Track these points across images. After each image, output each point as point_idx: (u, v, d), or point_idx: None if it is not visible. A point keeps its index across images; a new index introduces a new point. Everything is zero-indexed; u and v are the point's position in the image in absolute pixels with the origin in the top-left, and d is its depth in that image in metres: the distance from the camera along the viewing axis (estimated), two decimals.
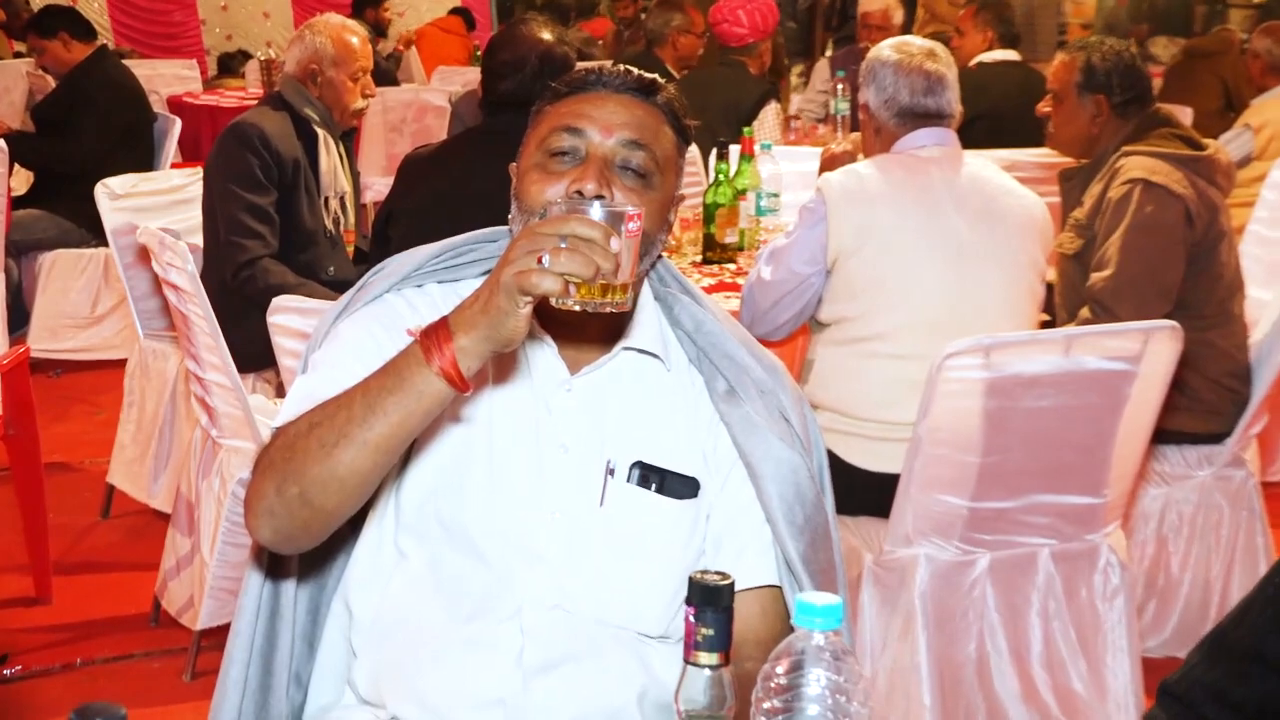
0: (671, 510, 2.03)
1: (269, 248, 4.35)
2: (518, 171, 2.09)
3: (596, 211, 1.72)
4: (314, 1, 13.16)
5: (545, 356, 2.05)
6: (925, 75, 3.56)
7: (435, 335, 1.75)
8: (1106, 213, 3.74)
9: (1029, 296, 3.55)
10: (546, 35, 4.19)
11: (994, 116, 6.26)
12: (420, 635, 2.03)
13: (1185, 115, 5.82)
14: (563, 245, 1.65)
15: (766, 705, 1.31)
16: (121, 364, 5.15)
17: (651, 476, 2.03)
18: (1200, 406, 3.73)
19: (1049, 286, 4.07)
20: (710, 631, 1.41)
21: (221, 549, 3.66)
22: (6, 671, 3.99)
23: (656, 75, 2.18)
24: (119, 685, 3.88)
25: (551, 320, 2.01)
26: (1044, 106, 4.19)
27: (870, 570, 3.38)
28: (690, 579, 1.43)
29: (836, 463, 3.31)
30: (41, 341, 6.48)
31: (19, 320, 6.55)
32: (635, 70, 2.16)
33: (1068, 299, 3.89)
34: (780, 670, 1.31)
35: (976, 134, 5.67)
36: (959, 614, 3.34)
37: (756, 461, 2.05)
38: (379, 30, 11.34)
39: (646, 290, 2.14)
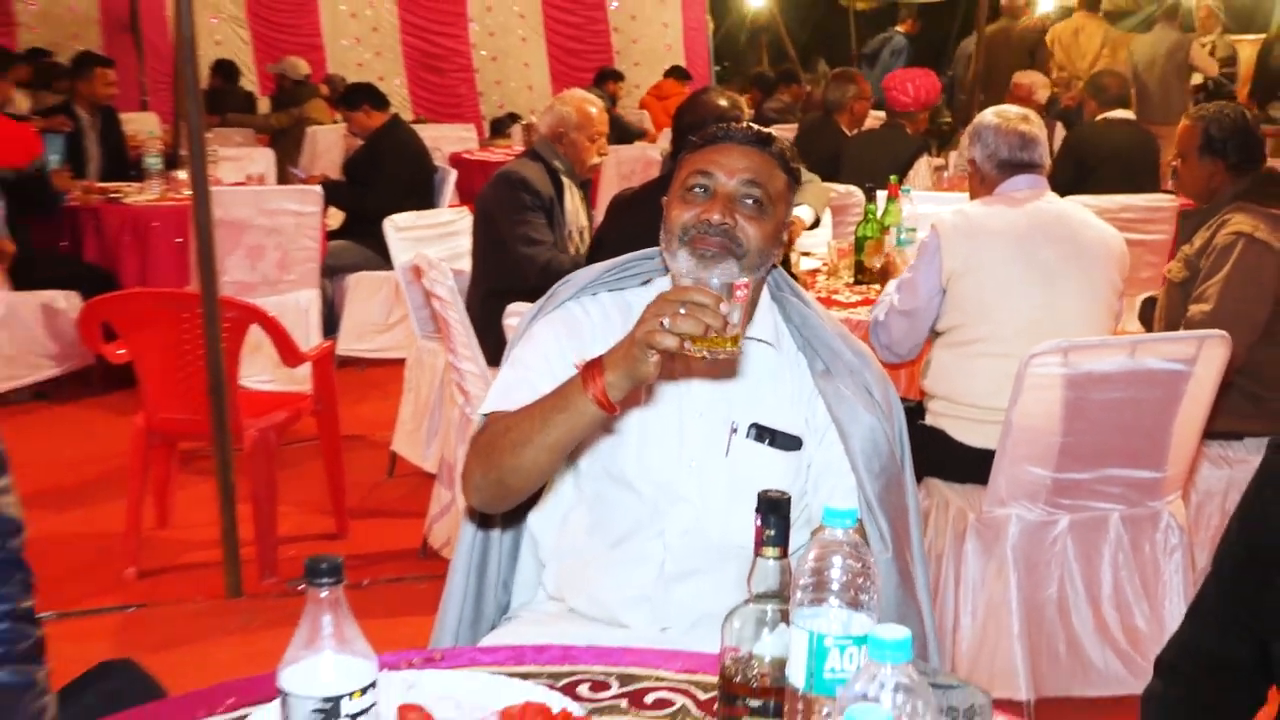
0: (780, 459, 2.18)
1: (557, 248, 4.58)
2: (666, 204, 2.22)
3: (715, 282, 1.82)
4: (567, 78, 13.43)
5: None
6: (1020, 135, 3.67)
7: (591, 371, 1.90)
8: (1212, 255, 3.74)
9: (1105, 309, 3.58)
10: (722, 102, 4.33)
11: (1110, 162, 6.28)
12: (590, 551, 2.23)
13: None
14: (681, 311, 1.77)
15: (804, 580, 1.38)
16: (404, 361, 5.42)
17: (765, 434, 2.18)
18: (1268, 411, 3.74)
19: (1150, 300, 4.21)
20: (773, 532, 1.51)
21: None
22: (365, 581, 4.39)
23: (772, 130, 2.31)
24: (395, 600, 4.23)
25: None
26: (1173, 161, 4.20)
27: (972, 526, 3.44)
28: (759, 494, 1.52)
29: (947, 440, 3.64)
30: (349, 343, 6.86)
31: (331, 327, 6.90)
32: (755, 126, 2.28)
33: (1168, 316, 3.90)
34: (812, 555, 1.38)
35: (1097, 180, 5.88)
36: (1043, 563, 3.41)
37: (845, 424, 2.20)
38: (614, 100, 11.57)
39: (765, 293, 2.28)
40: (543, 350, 2.22)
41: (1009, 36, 11.82)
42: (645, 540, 2.19)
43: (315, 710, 1.27)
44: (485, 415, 2.20)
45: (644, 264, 2.37)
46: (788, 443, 2.20)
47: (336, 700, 1.28)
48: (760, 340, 2.24)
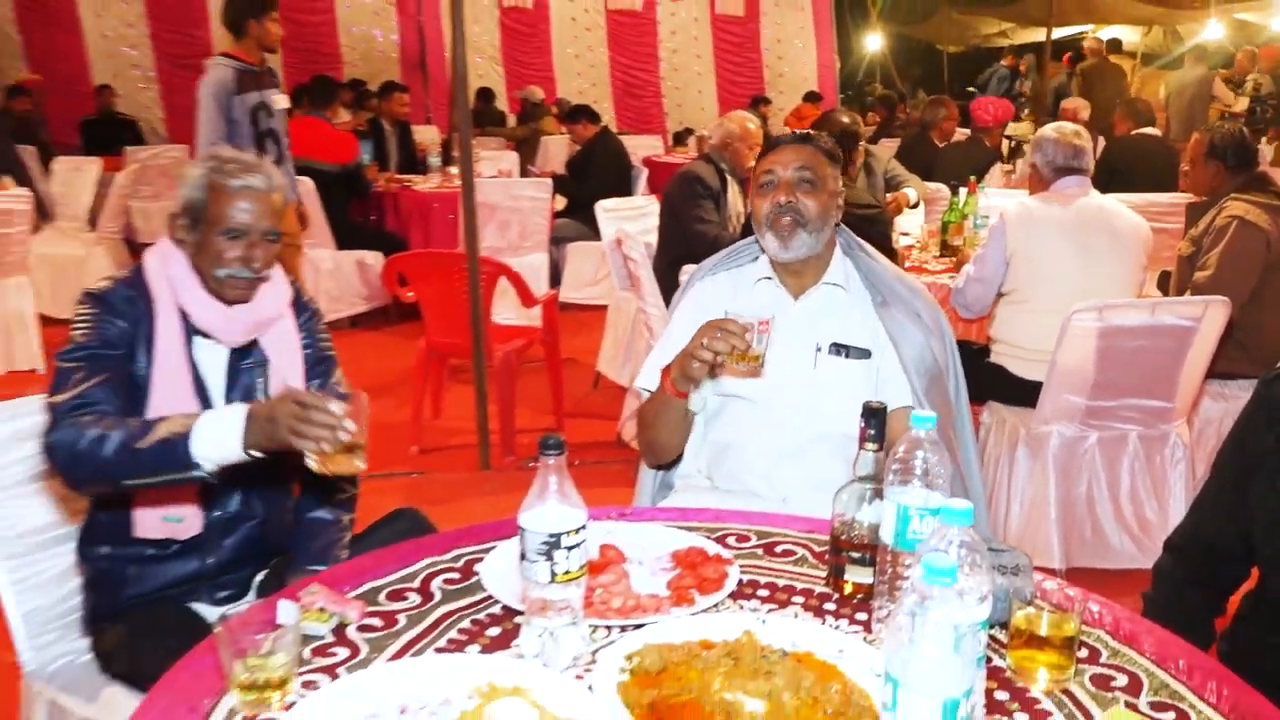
0: (856, 367, 2.19)
1: (721, 227, 4.52)
2: (750, 199, 2.28)
3: (749, 317, 1.88)
4: (730, 101, 13.37)
5: (782, 294, 2.24)
6: (1072, 146, 3.63)
7: (665, 372, 2.07)
8: (1212, 234, 3.68)
9: (1132, 279, 3.53)
10: (845, 119, 4.35)
11: (1138, 168, 6.11)
12: (726, 443, 2.24)
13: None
14: (718, 335, 1.86)
15: (894, 466, 1.41)
16: (606, 306, 5.56)
17: (841, 349, 2.19)
18: (1255, 358, 3.63)
19: (1166, 273, 4.09)
20: (873, 431, 1.57)
21: None
22: (576, 461, 4.28)
23: (811, 131, 2.34)
24: (596, 476, 4.23)
25: (788, 272, 2.24)
26: (1185, 166, 4.06)
27: (1023, 439, 3.46)
28: (864, 404, 1.58)
29: (1006, 374, 3.60)
30: (567, 292, 6.83)
31: (555, 280, 6.91)
32: (800, 131, 2.32)
33: (1179, 283, 3.83)
34: (901, 448, 1.41)
35: (1124, 183, 5.65)
36: (1075, 468, 3.42)
37: (898, 339, 2.20)
38: (765, 119, 11.44)
39: (838, 249, 2.28)
40: (677, 337, 2.21)
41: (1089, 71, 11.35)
42: (762, 434, 2.19)
43: (543, 542, 1.32)
44: (641, 389, 2.31)
45: (751, 247, 2.37)
46: (859, 354, 2.19)
47: (558, 536, 1.32)
48: (834, 284, 2.24)
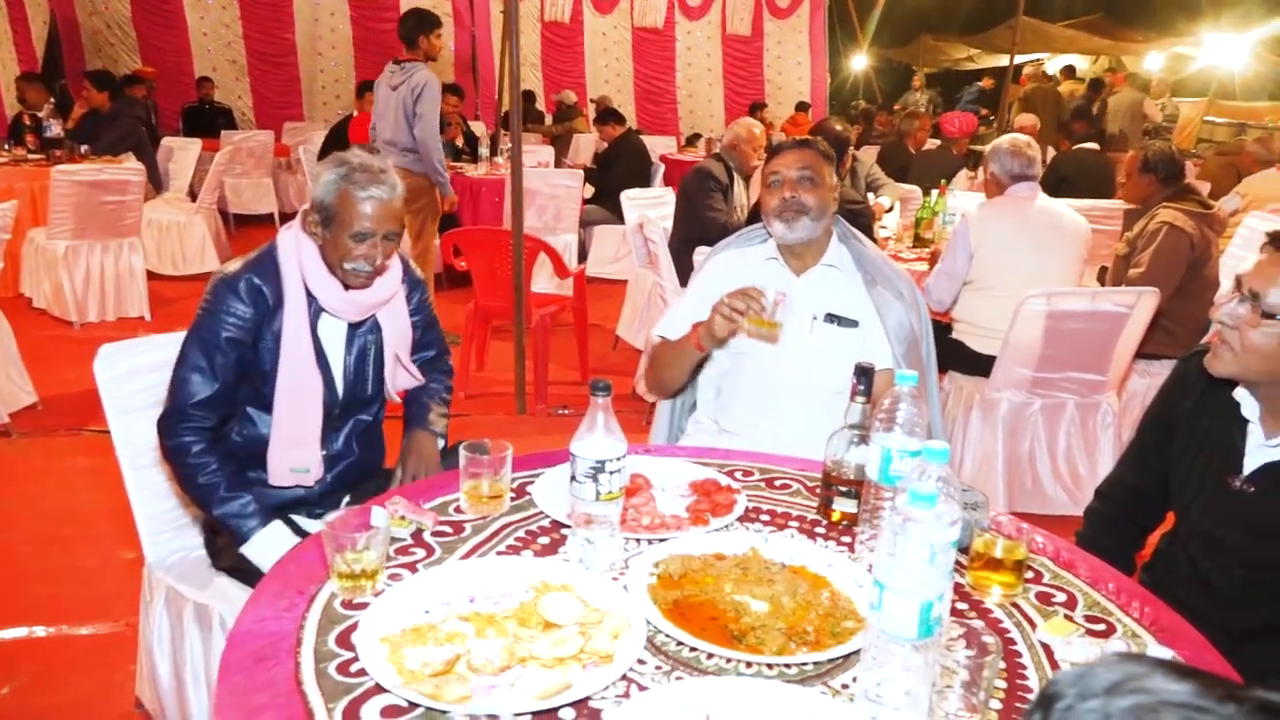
0: (846, 334, 2.19)
1: (729, 215, 4.47)
2: (760, 195, 2.26)
3: (769, 288, 1.89)
4: (734, 108, 13.30)
5: (786, 273, 2.24)
6: (1024, 155, 3.59)
7: (694, 329, 2.06)
8: (1145, 236, 3.66)
9: (1073, 271, 3.51)
10: (838, 127, 4.31)
11: (1080, 177, 6.05)
12: (734, 391, 2.26)
13: (1204, 187, 5.48)
14: (741, 297, 1.89)
15: (881, 415, 1.43)
16: (626, 281, 5.53)
17: (833, 319, 2.19)
18: (1178, 342, 3.64)
19: (1104, 269, 4.05)
20: (863, 387, 1.60)
21: None
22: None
23: (809, 136, 2.30)
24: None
25: (791, 254, 2.24)
26: (1122, 178, 4.05)
27: (977, 404, 3.46)
28: (856, 364, 1.61)
29: (965, 348, 3.56)
30: (594, 268, 6.79)
31: (584, 257, 6.89)
32: (800, 137, 2.28)
33: (1115, 277, 3.81)
34: (887, 402, 1.43)
35: (1069, 189, 5.58)
36: (1021, 429, 3.43)
37: (882, 312, 2.21)
38: (764, 123, 11.46)
39: (835, 235, 2.26)
40: (694, 301, 2.23)
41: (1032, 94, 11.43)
42: (766, 387, 2.21)
43: (591, 467, 1.35)
44: (658, 335, 2.28)
45: (759, 231, 2.37)
46: (849, 324, 2.20)
47: (603, 462, 1.35)
48: (830, 265, 2.25)
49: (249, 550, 1.86)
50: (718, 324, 1.95)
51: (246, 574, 1.90)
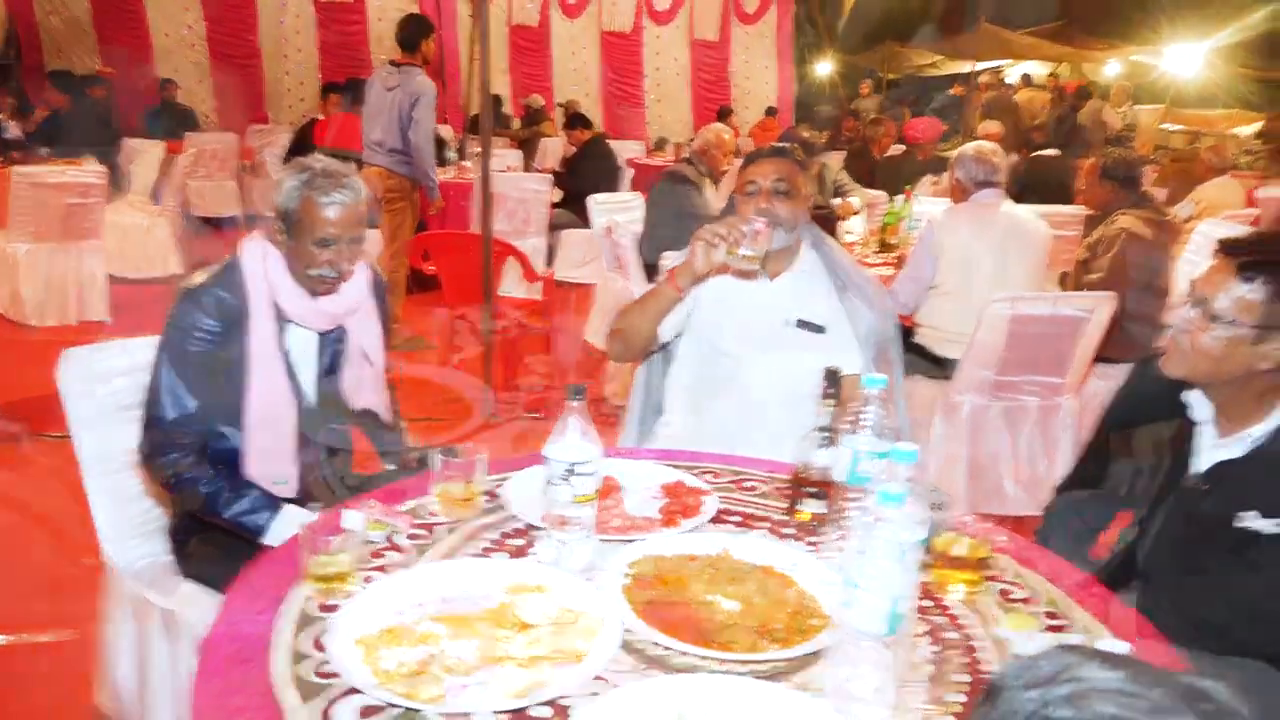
0: (813, 338, 2.21)
1: (700, 221, 4.50)
2: (736, 201, 2.27)
3: (755, 220, 1.96)
4: (702, 114, 13.35)
5: (762, 278, 2.24)
6: (989, 163, 3.60)
7: (671, 271, 2.09)
8: (1104, 242, 3.68)
9: (1036, 275, 3.53)
10: (806, 134, 4.34)
11: (1041, 183, 6.02)
12: (701, 396, 2.26)
13: (1161, 194, 5.57)
14: (720, 229, 1.92)
15: (849, 418, 1.49)
16: (595, 285, 5.47)
17: (804, 324, 2.22)
18: (1135, 345, 3.53)
19: (1065, 274, 4.05)
20: (832, 390, 1.61)
21: None
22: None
23: (786, 145, 2.30)
24: None
25: (768, 259, 2.18)
26: (1081, 185, 4.06)
27: (941, 406, 3.43)
28: (825, 368, 1.62)
29: (927, 353, 3.57)
30: (562, 271, 6.70)
31: (551, 260, 6.79)
32: (776, 145, 2.31)
33: (1075, 282, 3.80)
34: (856, 405, 1.48)
35: (1033, 195, 5.61)
36: (983, 431, 3.42)
37: (853, 320, 2.24)
38: (732, 128, 11.58)
39: (807, 242, 2.29)
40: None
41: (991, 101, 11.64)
42: (734, 389, 2.22)
43: (565, 469, 1.35)
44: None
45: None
46: (817, 329, 2.22)
47: (573, 465, 1.36)
48: (802, 271, 2.27)
49: (272, 542, 1.82)
50: (698, 254, 1.94)
51: (214, 580, 1.88)
